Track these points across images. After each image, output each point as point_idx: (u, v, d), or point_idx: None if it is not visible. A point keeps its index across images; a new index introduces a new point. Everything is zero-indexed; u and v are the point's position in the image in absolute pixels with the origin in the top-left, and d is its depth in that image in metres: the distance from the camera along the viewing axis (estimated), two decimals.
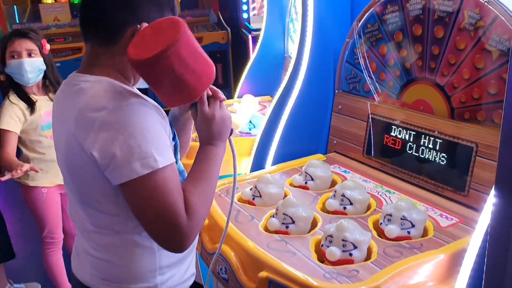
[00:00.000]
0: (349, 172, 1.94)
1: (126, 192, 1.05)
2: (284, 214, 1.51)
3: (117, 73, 1.12)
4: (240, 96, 3.15)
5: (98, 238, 1.17)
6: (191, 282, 1.30)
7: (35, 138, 2.39)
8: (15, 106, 2.32)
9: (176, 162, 1.16)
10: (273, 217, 1.55)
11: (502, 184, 1.05)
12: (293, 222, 1.50)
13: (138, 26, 1.09)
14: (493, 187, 1.08)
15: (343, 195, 1.62)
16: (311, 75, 2.11)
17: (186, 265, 1.26)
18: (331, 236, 1.37)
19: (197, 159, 1.16)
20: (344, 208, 1.61)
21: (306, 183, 1.82)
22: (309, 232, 1.52)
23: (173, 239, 1.04)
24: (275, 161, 2.07)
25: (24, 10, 5.53)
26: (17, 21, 5.27)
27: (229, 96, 4.17)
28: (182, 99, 1.10)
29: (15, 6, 5.35)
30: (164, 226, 1.03)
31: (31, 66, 2.32)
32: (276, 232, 1.50)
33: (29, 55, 2.33)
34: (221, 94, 1.18)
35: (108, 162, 1.02)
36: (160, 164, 1.02)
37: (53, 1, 5.31)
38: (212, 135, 1.15)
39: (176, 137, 1.20)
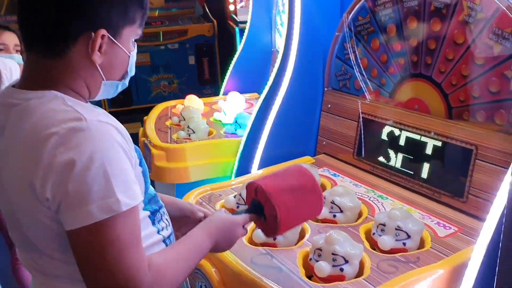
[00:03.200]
0: (339, 176, 1.82)
1: (75, 240, 0.84)
2: None
3: (67, 89, 0.92)
4: (225, 93, 3.01)
5: (40, 279, 0.98)
6: None
7: None
8: None
9: (146, 190, 1.03)
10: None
11: None
12: None
13: (93, 34, 0.90)
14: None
15: (332, 202, 1.50)
16: (299, 71, 1.99)
17: None
18: (320, 249, 1.26)
19: (188, 238, 1.03)
20: (334, 216, 1.49)
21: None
22: (296, 243, 1.40)
23: None
24: (262, 165, 1.95)
25: (1, 2, 5.34)
26: None
27: (216, 93, 4.05)
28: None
29: None
30: (116, 286, 0.84)
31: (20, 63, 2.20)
32: (263, 244, 1.38)
33: (17, 51, 2.24)
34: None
35: (59, 202, 0.83)
36: (124, 206, 0.83)
37: None
38: (220, 237, 1.07)
39: (143, 161, 1.02)
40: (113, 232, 0.83)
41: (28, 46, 0.93)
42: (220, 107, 2.74)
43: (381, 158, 1.76)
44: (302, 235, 1.43)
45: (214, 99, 2.98)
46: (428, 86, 1.61)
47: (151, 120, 2.54)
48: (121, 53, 0.97)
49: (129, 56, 0.99)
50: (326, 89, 2.05)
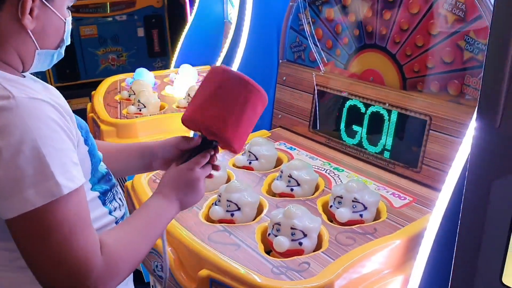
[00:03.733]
0: (295, 149, 1.80)
1: (15, 229, 0.77)
2: (228, 200, 1.35)
3: None
4: (177, 66, 2.91)
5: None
6: None
7: None
8: None
9: (95, 169, 0.95)
10: (215, 204, 1.39)
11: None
12: (239, 209, 1.34)
13: None
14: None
15: (290, 176, 1.48)
16: (253, 43, 1.94)
17: None
18: (278, 224, 1.23)
19: (145, 208, 0.95)
20: (292, 189, 1.48)
21: (250, 163, 1.67)
22: (254, 218, 1.37)
23: None
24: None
25: None
26: None
27: (167, 66, 3.92)
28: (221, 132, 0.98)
29: None
30: (66, 273, 0.77)
31: None
32: (220, 221, 1.35)
33: None
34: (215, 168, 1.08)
35: None
36: (65, 189, 0.76)
37: None
38: (180, 192, 0.99)
39: (90, 138, 0.95)
40: (55, 218, 0.76)
41: None
42: (171, 81, 2.66)
43: (336, 131, 1.76)
44: (260, 210, 1.40)
45: (165, 72, 2.88)
46: (383, 57, 1.61)
47: (99, 94, 2.42)
48: (56, 19, 0.88)
49: (64, 23, 0.90)
50: (281, 61, 2.01)
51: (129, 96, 2.37)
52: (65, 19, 0.90)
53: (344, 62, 1.74)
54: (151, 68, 2.77)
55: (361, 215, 1.33)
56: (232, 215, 1.34)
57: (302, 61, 1.92)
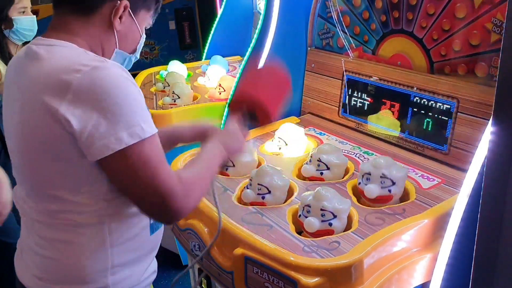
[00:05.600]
0: (324, 134, 1.84)
1: (110, 166, 0.94)
2: (259, 184, 1.41)
3: (85, 45, 1.03)
4: (208, 57, 2.99)
5: (45, 232, 1.04)
6: (152, 279, 1.19)
7: None
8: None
9: None
10: (247, 188, 1.45)
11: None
12: (269, 192, 1.40)
13: (118, 2, 1.04)
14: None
15: (319, 160, 1.53)
16: (282, 32, 1.98)
17: (146, 263, 1.15)
18: (308, 205, 1.29)
19: (199, 154, 1.16)
20: (321, 173, 1.53)
21: (280, 149, 1.72)
22: (285, 201, 1.43)
23: (166, 211, 0.97)
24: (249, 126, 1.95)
25: None
26: None
27: (198, 57, 3.99)
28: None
29: None
30: (157, 199, 0.95)
31: None
32: (252, 203, 1.41)
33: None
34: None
35: (89, 132, 0.90)
36: (147, 133, 0.94)
37: None
38: (225, 143, 1.20)
39: None
40: (143, 154, 0.93)
41: (57, 3, 1.05)
42: (203, 72, 2.73)
43: (365, 115, 1.79)
44: (290, 193, 1.46)
45: (197, 63, 2.96)
46: (410, 41, 1.62)
47: None
48: (135, 30, 1.12)
49: (140, 36, 1.14)
50: (309, 48, 2.04)
51: (164, 88, 2.46)
52: (141, 34, 1.14)
53: (372, 48, 1.77)
54: (183, 61, 2.85)
55: (389, 190, 1.36)
56: (263, 197, 1.40)
57: (331, 48, 1.95)
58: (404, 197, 1.40)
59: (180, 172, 1.02)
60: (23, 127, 0.99)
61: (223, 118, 2.13)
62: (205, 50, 3.10)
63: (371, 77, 1.75)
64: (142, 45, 1.17)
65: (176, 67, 2.66)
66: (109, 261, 1.04)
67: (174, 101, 2.26)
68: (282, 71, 1.43)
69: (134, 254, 1.09)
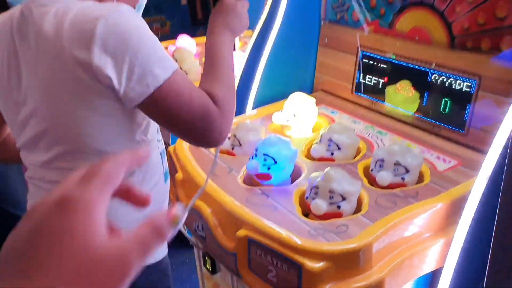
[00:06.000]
0: (336, 113, 1.77)
1: (154, 104, 0.96)
2: (264, 154, 1.33)
3: None
4: None
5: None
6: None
7: None
8: None
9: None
10: (251, 158, 1.38)
11: None
12: (275, 162, 1.33)
13: None
14: None
15: (330, 140, 1.46)
16: (294, 5, 1.88)
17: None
18: (316, 187, 1.23)
19: (209, 52, 1.13)
20: (332, 154, 1.46)
21: (288, 121, 1.65)
22: (292, 182, 1.37)
23: (211, 133, 1.01)
24: (256, 104, 1.89)
25: None
26: None
27: None
28: None
29: None
30: (202, 122, 0.99)
31: None
32: (258, 176, 1.34)
33: None
34: None
35: (127, 76, 0.92)
36: (174, 64, 0.98)
37: None
38: (227, 25, 1.14)
39: None
40: (179, 84, 0.97)
41: None
42: None
43: (380, 93, 1.70)
44: (297, 174, 1.39)
45: None
46: (430, 14, 1.52)
47: None
48: None
49: None
50: (322, 22, 1.95)
51: None
52: None
53: (389, 22, 1.67)
54: (195, 36, 2.77)
55: (403, 178, 1.29)
56: (268, 168, 1.33)
57: (345, 22, 1.86)
58: (418, 179, 1.33)
59: (211, 90, 1.02)
60: (51, 89, 0.99)
61: None
62: None
63: (387, 52, 1.66)
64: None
65: (185, 42, 2.58)
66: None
67: None
68: None
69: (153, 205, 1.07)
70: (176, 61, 2.35)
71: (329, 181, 1.21)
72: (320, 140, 1.49)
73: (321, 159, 1.47)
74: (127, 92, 0.94)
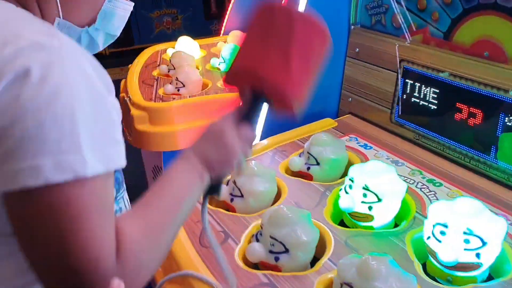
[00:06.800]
0: (371, 148, 1.35)
1: (12, 205, 0.57)
2: (272, 237, 0.95)
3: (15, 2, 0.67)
4: (226, 33, 2.49)
5: None
6: None
7: None
8: None
9: None
10: (256, 238, 0.99)
11: None
12: (287, 250, 0.94)
13: None
14: None
15: (366, 188, 1.04)
16: (317, 4, 1.48)
17: None
18: (349, 285, 0.83)
19: (167, 178, 0.72)
20: (370, 208, 1.05)
21: (309, 169, 1.25)
22: (312, 265, 0.97)
23: None
24: (266, 132, 1.48)
25: None
26: None
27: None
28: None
29: None
30: (70, 275, 0.57)
31: None
32: (262, 264, 0.96)
33: None
34: None
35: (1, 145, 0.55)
36: (91, 170, 0.56)
37: None
38: (217, 159, 0.74)
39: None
40: (67, 201, 0.56)
41: None
42: (220, 50, 2.24)
43: (430, 124, 1.29)
44: (322, 250, 0.99)
45: (213, 40, 2.47)
46: (505, 21, 1.10)
47: (135, 69, 2.07)
48: None
49: None
50: (352, 27, 1.54)
51: (169, 72, 2.00)
52: None
53: (445, 30, 1.25)
54: (208, 32, 2.38)
55: (477, 255, 0.89)
56: (277, 259, 0.94)
57: (383, 28, 1.45)
58: (499, 264, 0.92)
59: (124, 227, 0.61)
60: None
61: None
62: (224, 23, 2.60)
63: (442, 71, 1.24)
64: (124, 16, 0.78)
65: (185, 45, 2.18)
66: None
67: (178, 90, 1.80)
68: (313, 20, 0.79)
69: None
70: (174, 68, 1.96)
71: (369, 277, 0.81)
72: (350, 186, 1.07)
73: (357, 218, 1.06)
74: None
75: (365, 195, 1.05)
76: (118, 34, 0.82)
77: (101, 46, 0.81)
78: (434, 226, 0.94)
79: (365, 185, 1.05)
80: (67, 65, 0.57)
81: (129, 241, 0.60)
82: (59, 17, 0.72)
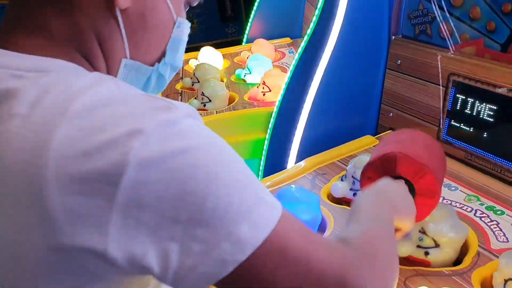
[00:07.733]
0: None
1: (240, 281, 0.50)
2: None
3: (75, 55, 0.56)
4: (250, 41, 2.40)
5: None
6: None
7: None
8: None
9: None
10: None
11: None
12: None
13: None
14: None
15: (422, 232, 0.95)
16: (354, 13, 1.38)
17: None
18: None
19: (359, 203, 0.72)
20: (426, 254, 0.95)
21: (354, 195, 1.15)
22: None
23: None
24: (303, 152, 1.39)
25: None
26: None
27: (240, 31, 3.47)
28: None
29: None
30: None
31: None
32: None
33: None
34: None
35: (183, 251, 0.47)
36: (278, 205, 0.53)
37: None
38: (400, 207, 0.76)
39: None
40: (280, 243, 0.50)
41: None
42: (244, 60, 2.15)
43: (484, 143, 1.18)
44: None
45: (235, 49, 2.38)
46: None
47: None
48: (162, 9, 0.61)
49: (174, 22, 0.63)
50: (394, 37, 1.43)
51: (193, 85, 1.91)
52: (176, 18, 0.63)
53: (503, 41, 1.14)
54: (224, 35, 2.29)
55: None
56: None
57: (428, 38, 1.34)
58: None
59: (341, 236, 0.61)
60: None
61: (268, 132, 1.57)
62: (247, 31, 2.50)
63: (498, 86, 1.13)
64: (184, 41, 0.66)
65: (208, 55, 2.09)
66: None
67: (204, 105, 1.71)
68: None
69: None
70: (198, 81, 1.87)
71: None
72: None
73: (411, 260, 0.96)
74: (181, 274, 0.48)
75: (421, 239, 0.96)
76: (181, 65, 0.71)
77: (168, 81, 0.69)
78: (506, 281, 0.83)
79: (421, 229, 0.95)
80: (201, 131, 0.51)
81: (351, 238, 0.60)
82: (126, 57, 0.61)
